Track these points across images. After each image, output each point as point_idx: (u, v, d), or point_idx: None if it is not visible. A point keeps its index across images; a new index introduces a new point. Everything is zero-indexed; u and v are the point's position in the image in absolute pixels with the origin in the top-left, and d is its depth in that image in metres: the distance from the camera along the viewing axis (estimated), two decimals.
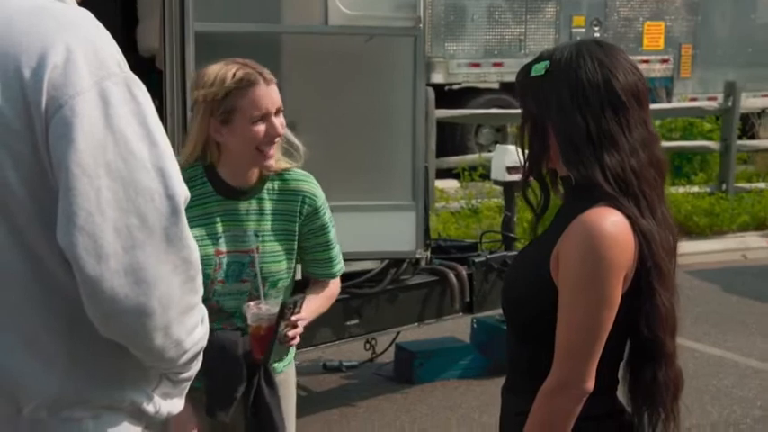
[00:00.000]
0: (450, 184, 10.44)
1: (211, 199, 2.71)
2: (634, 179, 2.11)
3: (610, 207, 2.08)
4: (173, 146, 1.64)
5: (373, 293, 5.10)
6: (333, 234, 2.90)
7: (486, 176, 8.79)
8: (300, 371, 5.90)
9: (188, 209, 2.64)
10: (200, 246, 2.60)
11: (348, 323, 5.09)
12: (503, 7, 12.38)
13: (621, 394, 2.24)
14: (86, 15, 1.68)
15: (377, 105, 4.07)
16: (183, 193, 1.65)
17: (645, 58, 13.00)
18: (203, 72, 2.70)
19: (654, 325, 2.12)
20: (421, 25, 3.97)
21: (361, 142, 4.09)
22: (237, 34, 3.90)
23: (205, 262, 2.55)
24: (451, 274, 5.32)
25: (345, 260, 4.71)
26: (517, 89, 2.26)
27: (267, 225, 2.76)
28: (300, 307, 2.69)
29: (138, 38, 4.48)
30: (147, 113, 1.63)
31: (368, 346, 5.77)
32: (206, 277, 2.61)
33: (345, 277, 5.03)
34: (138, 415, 1.76)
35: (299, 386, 5.66)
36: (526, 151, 2.23)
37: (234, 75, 2.65)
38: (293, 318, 2.66)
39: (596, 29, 12.90)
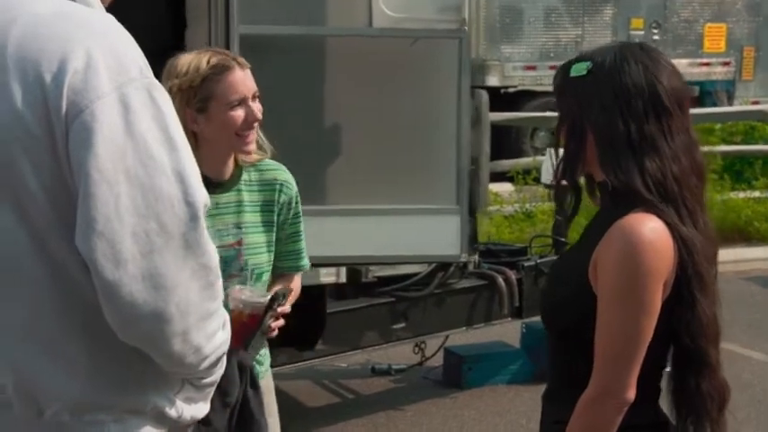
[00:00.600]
0: (504, 188, 10.37)
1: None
2: (675, 186, 2.06)
3: (649, 213, 2.03)
4: None
5: (420, 297, 5.09)
6: (303, 226, 2.88)
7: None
8: (348, 374, 5.94)
9: None
10: None
11: (395, 326, 5.08)
12: (560, 9, 12.26)
13: (665, 404, 2.19)
14: (109, 20, 1.67)
15: (421, 108, 4.05)
16: (202, 199, 1.64)
17: (705, 60, 12.78)
18: (176, 62, 2.65)
19: (696, 334, 2.08)
20: (466, 27, 3.94)
21: (406, 145, 4.07)
22: (282, 37, 3.91)
23: None
24: (500, 279, 5.28)
25: (390, 263, 4.77)
26: (555, 89, 2.23)
27: (248, 217, 2.74)
28: (286, 299, 2.67)
29: (187, 42, 4.50)
30: (167, 119, 1.63)
31: (417, 349, 5.75)
32: None
33: (391, 280, 5.09)
34: (161, 419, 1.75)
35: (347, 388, 5.71)
36: (561, 152, 2.20)
37: (208, 61, 2.61)
38: (279, 309, 2.64)
39: (655, 31, 12.71)
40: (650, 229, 2.02)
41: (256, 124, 2.69)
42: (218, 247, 2.54)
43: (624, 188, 2.07)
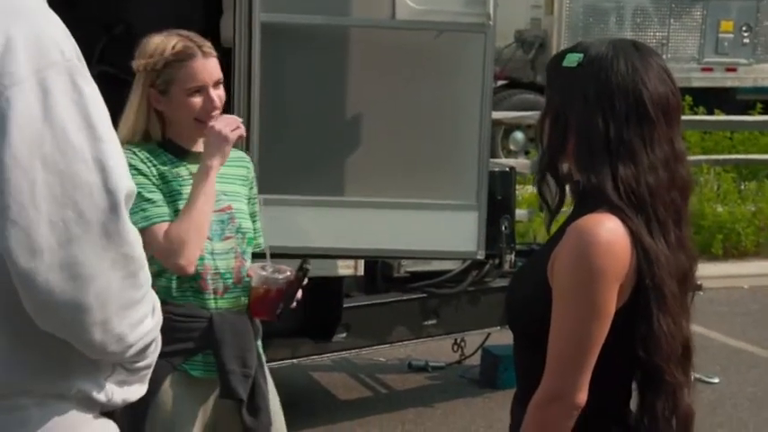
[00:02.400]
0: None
1: (178, 164, 2.79)
2: (648, 196, 1.98)
3: (610, 214, 1.97)
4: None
5: (453, 294, 5.04)
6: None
7: None
8: (386, 369, 5.91)
9: (160, 175, 2.73)
10: (178, 205, 2.71)
11: (426, 323, 5.04)
12: (646, 10, 12.01)
13: None
14: (33, 2, 1.64)
15: (444, 102, 3.99)
16: (125, 187, 1.60)
17: None
18: (146, 41, 2.79)
19: (651, 350, 1.99)
20: (491, 22, 3.87)
21: (426, 139, 4.02)
22: (303, 26, 3.90)
23: None
24: None
25: (406, 258, 4.73)
26: (546, 77, 2.17)
27: (231, 187, 2.86)
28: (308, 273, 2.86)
29: (221, 29, 4.55)
30: (89, 104, 1.59)
31: (456, 347, 5.70)
32: None
33: (423, 276, 5.05)
34: (88, 403, 1.72)
35: (382, 383, 5.69)
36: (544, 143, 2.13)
37: (173, 47, 2.73)
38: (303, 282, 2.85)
39: (746, 35, 12.36)
40: (607, 229, 1.95)
41: (218, 112, 2.79)
42: (214, 211, 2.74)
43: (594, 190, 2.01)
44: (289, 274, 2.80)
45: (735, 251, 8.62)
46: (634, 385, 2.12)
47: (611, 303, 1.96)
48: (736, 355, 6.32)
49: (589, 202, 2.01)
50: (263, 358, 2.95)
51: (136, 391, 1.81)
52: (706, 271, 7.25)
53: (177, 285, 2.75)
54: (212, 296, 2.78)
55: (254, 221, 2.94)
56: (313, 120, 3.99)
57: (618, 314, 1.97)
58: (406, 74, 3.97)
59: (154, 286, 2.71)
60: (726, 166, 10.21)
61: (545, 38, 11.95)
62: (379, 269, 4.96)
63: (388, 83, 3.97)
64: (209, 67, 2.75)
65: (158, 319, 1.75)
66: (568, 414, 1.98)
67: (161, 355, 2.68)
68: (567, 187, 2.17)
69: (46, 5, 1.66)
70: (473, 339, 5.60)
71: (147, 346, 1.72)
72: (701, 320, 6.13)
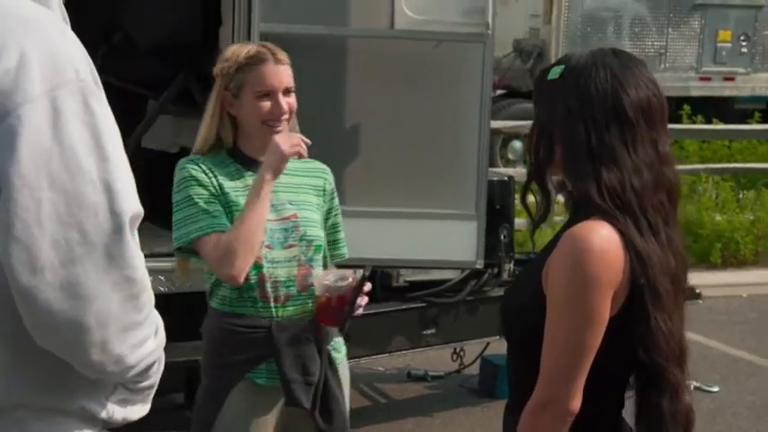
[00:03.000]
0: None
1: (245, 174, 2.84)
2: (634, 198, 2.01)
3: (602, 221, 1.99)
4: None
5: (452, 303, 5.04)
6: (340, 217, 3.07)
7: None
8: (384, 378, 5.91)
9: (228, 182, 2.79)
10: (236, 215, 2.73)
11: (425, 332, 5.03)
12: (645, 20, 12.02)
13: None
14: (50, 18, 1.64)
15: (443, 112, 4.00)
16: (130, 210, 1.60)
17: None
18: (225, 49, 2.89)
19: (651, 350, 2.02)
20: (490, 31, 3.88)
21: (426, 149, 4.03)
22: (302, 36, 3.91)
23: None
24: None
25: (406, 267, 4.73)
26: (533, 92, 2.21)
27: (300, 197, 2.89)
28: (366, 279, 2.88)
29: (221, 39, 4.55)
30: (100, 125, 1.58)
31: (455, 356, 5.70)
32: None
33: (422, 285, 5.04)
34: (90, 419, 1.72)
35: (380, 393, 5.69)
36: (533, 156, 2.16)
37: (247, 52, 2.82)
38: (365, 288, 2.85)
39: (744, 44, 12.37)
40: (600, 236, 1.97)
41: (286, 117, 2.84)
42: (277, 219, 2.80)
43: (582, 197, 2.03)
44: (351, 280, 2.82)
45: (733, 260, 8.63)
46: (628, 393, 2.14)
47: (605, 311, 1.98)
48: (735, 363, 6.32)
49: (582, 210, 2.04)
50: (338, 362, 2.96)
51: (138, 411, 1.79)
52: (705, 280, 7.30)
53: (237, 295, 2.80)
54: (273, 304, 2.81)
55: (336, 232, 3.00)
56: (312, 129, 3.98)
57: (612, 321, 2.00)
58: (405, 83, 3.98)
59: (216, 296, 2.78)
60: (724, 174, 10.23)
61: (543, 47, 11.97)
62: (379, 278, 4.95)
63: (387, 92, 3.98)
64: (279, 73, 2.81)
65: (161, 340, 1.75)
66: (562, 420, 2.00)
67: (229, 365, 2.78)
68: (562, 197, 2.20)
69: (63, 21, 1.66)
70: (472, 349, 5.61)
71: (149, 367, 1.72)
72: (699, 329, 6.15)
